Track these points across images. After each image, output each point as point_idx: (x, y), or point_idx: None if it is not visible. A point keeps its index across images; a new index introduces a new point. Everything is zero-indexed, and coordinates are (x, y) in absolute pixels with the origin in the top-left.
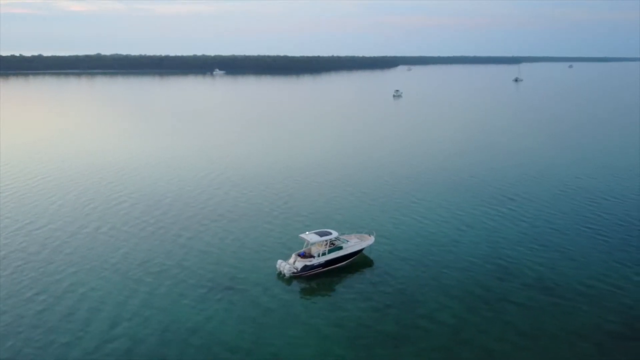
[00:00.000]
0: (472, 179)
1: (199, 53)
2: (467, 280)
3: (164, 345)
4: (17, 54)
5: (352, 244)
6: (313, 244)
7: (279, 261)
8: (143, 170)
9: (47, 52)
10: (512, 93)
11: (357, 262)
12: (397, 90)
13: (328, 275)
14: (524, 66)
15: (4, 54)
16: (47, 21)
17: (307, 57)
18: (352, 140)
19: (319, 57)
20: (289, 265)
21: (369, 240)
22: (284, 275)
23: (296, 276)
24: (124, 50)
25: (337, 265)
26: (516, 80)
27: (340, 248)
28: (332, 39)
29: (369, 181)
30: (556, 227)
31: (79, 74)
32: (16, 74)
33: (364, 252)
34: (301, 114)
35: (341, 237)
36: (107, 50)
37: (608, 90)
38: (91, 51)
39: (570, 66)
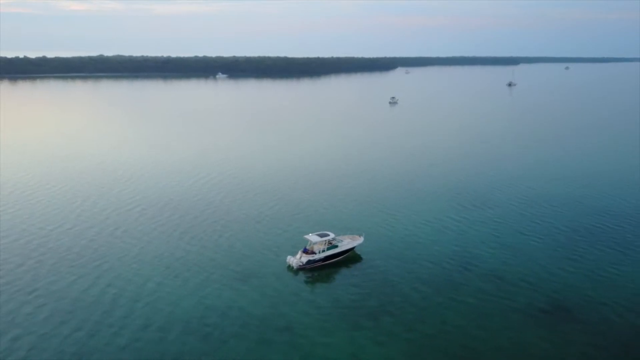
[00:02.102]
0: (451, 186)
1: (199, 53)
2: (435, 272)
3: (194, 319)
4: (21, 55)
5: (346, 243)
6: (314, 243)
7: (288, 257)
8: (155, 174)
9: (47, 51)
10: (504, 99)
11: (350, 257)
12: (393, 97)
13: (327, 267)
14: (521, 67)
15: (8, 55)
16: (47, 20)
17: (307, 59)
18: (347, 148)
19: (318, 58)
20: (296, 259)
21: (359, 240)
22: (293, 267)
23: (302, 268)
24: (124, 50)
25: (333, 260)
26: (510, 84)
27: (336, 247)
28: (332, 39)
29: (360, 188)
30: (513, 230)
31: (85, 78)
32: (24, 78)
33: (355, 249)
34: (300, 120)
35: (337, 237)
36: (107, 50)
37: (602, 95)
38: (92, 50)
39: (567, 68)
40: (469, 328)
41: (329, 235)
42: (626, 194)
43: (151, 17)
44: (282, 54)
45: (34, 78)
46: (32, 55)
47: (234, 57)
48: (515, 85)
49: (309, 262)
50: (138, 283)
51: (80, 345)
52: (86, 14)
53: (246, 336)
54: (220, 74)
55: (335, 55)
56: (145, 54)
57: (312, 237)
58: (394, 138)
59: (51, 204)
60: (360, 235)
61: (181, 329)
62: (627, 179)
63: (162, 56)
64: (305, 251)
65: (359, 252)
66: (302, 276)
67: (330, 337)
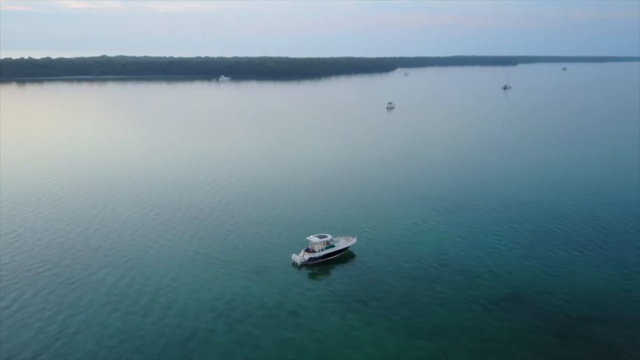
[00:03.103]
0: (435, 193)
1: (199, 51)
2: (415, 268)
3: (211, 305)
4: (21, 54)
5: (341, 243)
6: (315, 243)
7: (293, 255)
8: (166, 180)
9: (47, 50)
10: (498, 104)
11: (345, 255)
12: (390, 103)
13: (325, 264)
14: (519, 68)
15: (8, 54)
16: (46, 19)
17: (308, 60)
18: (344, 155)
19: (318, 59)
20: (300, 257)
21: (353, 241)
22: (297, 263)
23: (304, 264)
24: (126, 49)
25: (331, 257)
26: (505, 88)
27: (333, 246)
28: (332, 38)
29: (354, 193)
30: (484, 232)
31: (91, 80)
32: (31, 81)
33: (349, 249)
34: (300, 126)
35: (334, 238)
36: (109, 49)
37: (596, 98)
38: (94, 50)
39: (564, 69)
40: (439, 312)
41: (327, 236)
42: (588, 199)
43: (151, 16)
44: (283, 53)
45: (41, 81)
46: (33, 54)
47: (235, 57)
48: (510, 88)
49: (310, 259)
50: (158, 278)
51: (117, 324)
52: (86, 12)
53: (258, 318)
54: (223, 76)
55: (335, 55)
56: (147, 54)
57: (313, 238)
58: (387, 145)
59: (77, 209)
60: (353, 236)
61: (200, 312)
62: (593, 186)
63: (165, 56)
64: (307, 250)
65: (352, 251)
66: (304, 271)
67: (328, 318)
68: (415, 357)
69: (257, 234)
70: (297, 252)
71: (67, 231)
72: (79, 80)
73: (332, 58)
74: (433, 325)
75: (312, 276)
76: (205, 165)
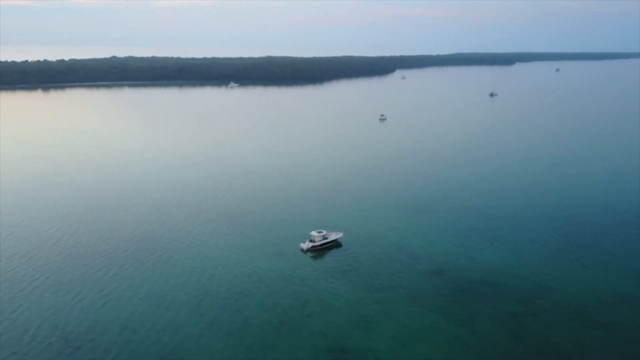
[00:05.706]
0: (406, 199)
1: (202, 47)
2: (382, 252)
3: (242, 275)
4: (24, 51)
5: (333, 236)
6: (315, 236)
7: (301, 244)
8: (189, 189)
9: (50, 46)
10: (479, 114)
11: (335, 244)
12: (382, 115)
13: (322, 250)
14: (516, 67)
15: (10, 51)
16: (49, 13)
17: (310, 62)
18: (336, 164)
19: (320, 59)
20: (305, 245)
21: (340, 235)
22: (303, 250)
23: (308, 250)
24: (127, 45)
25: (326, 246)
26: (491, 95)
27: (327, 238)
28: (334, 35)
29: (343, 199)
30: (435, 229)
31: (109, 86)
32: (55, 87)
33: (338, 240)
34: (300, 135)
35: (328, 233)
36: (111, 45)
37: (590, 105)
38: (97, 45)
39: (558, 70)
40: (391, 278)
41: (323, 231)
42: (518, 205)
43: (152, 11)
44: (285, 50)
45: (63, 87)
46: (36, 51)
47: (241, 57)
48: (496, 95)
49: (312, 247)
50: (200, 260)
51: (181, 286)
52: (87, 8)
53: (278, 282)
54: (232, 83)
55: (337, 53)
56: (152, 50)
57: (314, 233)
58: (374, 156)
59: (132, 212)
60: (341, 232)
61: (235, 279)
62: (525, 194)
63: (172, 57)
64: (310, 241)
65: (340, 242)
66: (308, 255)
67: (322, 281)
68: (372, 301)
69: (270, 230)
70: (304, 242)
71: (133, 229)
72: (98, 87)
73: (334, 58)
74: (386, 286)
75: (314, 258)
76: (222, 172)
